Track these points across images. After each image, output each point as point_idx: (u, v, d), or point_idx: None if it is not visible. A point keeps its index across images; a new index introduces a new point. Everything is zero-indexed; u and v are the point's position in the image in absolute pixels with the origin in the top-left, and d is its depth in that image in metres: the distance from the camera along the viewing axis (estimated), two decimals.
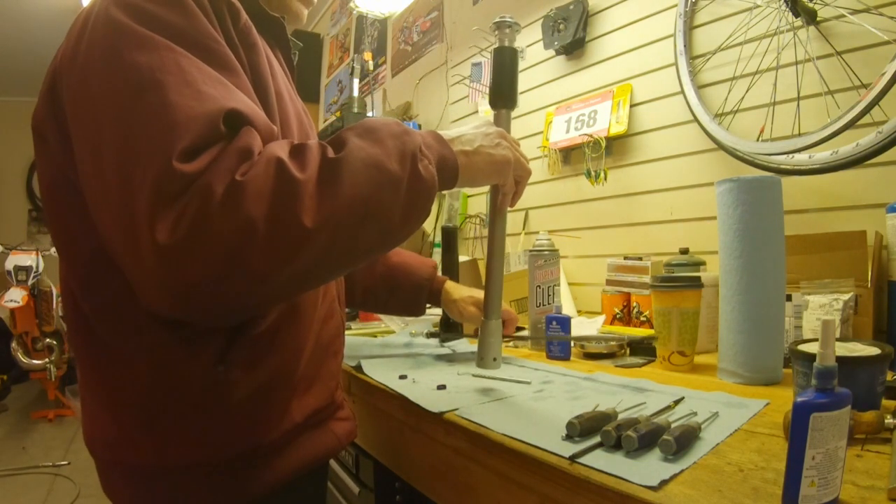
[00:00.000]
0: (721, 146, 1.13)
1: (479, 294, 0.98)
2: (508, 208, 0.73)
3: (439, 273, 1.09)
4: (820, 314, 0.80)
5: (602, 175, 1.40)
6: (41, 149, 0.57)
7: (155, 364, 0.55)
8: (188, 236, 0.41)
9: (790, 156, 0.99)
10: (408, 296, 1.04)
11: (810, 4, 0.99)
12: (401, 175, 0.51)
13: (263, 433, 0.60)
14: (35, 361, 3.76)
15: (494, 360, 0.73)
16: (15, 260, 3.92)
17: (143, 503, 0.59)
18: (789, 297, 0.80)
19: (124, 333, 0.55)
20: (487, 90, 0.78)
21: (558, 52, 1.58)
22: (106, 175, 0.46)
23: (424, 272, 1.04)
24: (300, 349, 0.64)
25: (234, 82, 0.51)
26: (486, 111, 1.81)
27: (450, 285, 1.05)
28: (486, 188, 1.78)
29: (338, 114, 2.33)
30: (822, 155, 0.94)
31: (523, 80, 1.71)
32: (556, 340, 0.96)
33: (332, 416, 0.70)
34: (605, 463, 0.47)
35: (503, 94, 0.75)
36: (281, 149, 0.47)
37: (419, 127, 2.14)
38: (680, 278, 0.87)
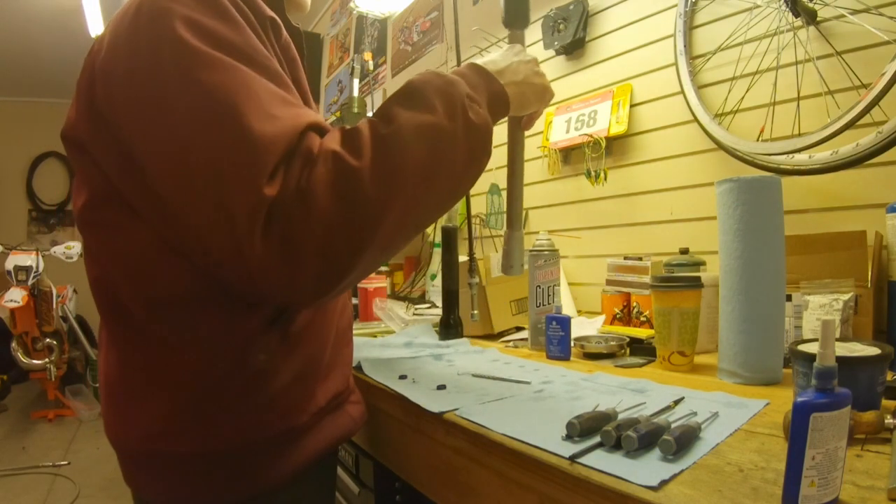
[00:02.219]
0: (721, 146, 1.13)
1: None
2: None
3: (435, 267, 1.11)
4: (820, 314, 0.80)
5: (602, 175, 1.40)
6: (81, 160, 0.59)
7: (203, 355, 0.58)
8: (281, 248, 0.46)
9: (790, 156, 0.99)
10: None
11: (810, 4, 0.99)
12: (454, 129, 0.55)
13: (296, 417, 0.64)
14: (35, 361, 3.75)
15: (521, 266, 0.82)
16: (15, 260, 3.91)
17: (180, 489, 0.60)
18: (789, 297, 0.80)
19: (175, 328, 0.58)
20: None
21: (558, 52, 1.58)
22: (198, 195, 0.48)
23: None
24: (326, 339, 0.69)
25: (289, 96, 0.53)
26: None
27: None
28: (485, 189, 1.78)
29: (338, 114, 2.33)
30: (822, 155, 0.94)
31: None
32: (556, 340, 0.96)
33: (347, 399, 0.74)
34: (605, 463, 0.47)
35: (518, 12, 0.77)
36: (333, 140, 0.50)
37: None
38: (680, 278, 0.87)
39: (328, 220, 0.47)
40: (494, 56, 0.69)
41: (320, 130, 0.52)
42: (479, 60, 0.67)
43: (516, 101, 0.66)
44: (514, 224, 0.81)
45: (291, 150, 0.48)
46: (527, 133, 1.71)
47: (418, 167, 0.52)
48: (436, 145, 0.54)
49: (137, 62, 0.51)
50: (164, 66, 0.49)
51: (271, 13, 0.59)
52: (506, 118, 0.75)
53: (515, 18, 0.77)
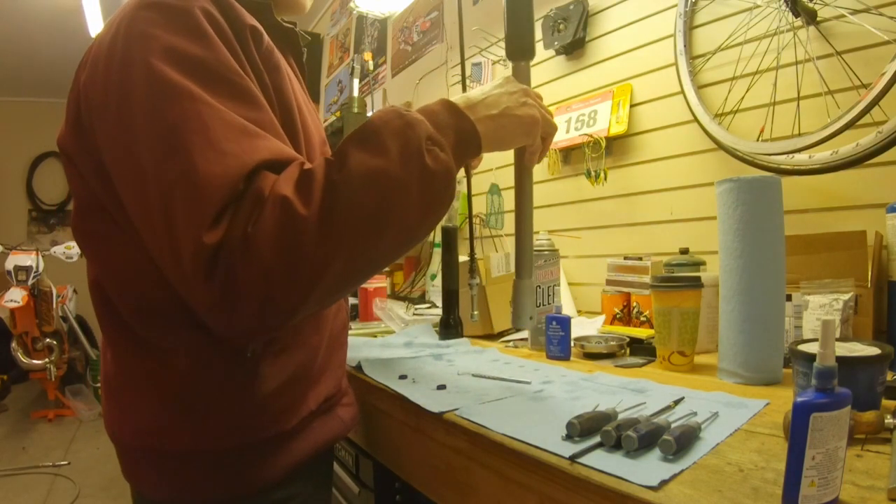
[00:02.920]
0: (721, 146, 1.13)
1: None
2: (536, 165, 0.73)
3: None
4: (820, 314, 0.80)
5: (602, 175, 1.40)
6: (71, 170, 0.60)
7: (193, 358, 0.59)
8: (224, 292, 0.46)
9: (790, 156, 0.99)
10: None
11: (810, 4, 0.99)
12: (407, 178, 0.51)
13: (286, 420, 0.64)
14: (35, 361, 3.75)
15: (531, 318, 0.74)
16: (15, 260, 3.91)
17: (173, 486, 0.61)
18: (789, 297, 0.80)
19: (163, 331, 0.59)
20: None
21: (558, 52, 1.58)
22: (156, 227, 0.49)
23: None
24: (318, 344, 0.69)
25: (256, 118, 0.52)
26: None
27: None
28: (486, 189, 1.78)
29: (338, 114, 2.33)
30: (822, 155, 0.94)
31: None
32: (556, 340, 0.96)
33: (338, 402, 0.74)
34: (605, 463, 0.47)
35: (520, 43, 0.70)
36: (287, 184, 0.48)
37: None
38: (680, 278, 0.87)
39: (268, 270, 0.46)
40: (476, 89, 0.64)
41: (276, 165, 0.49)
42: (458, 96, 0.62)
43: (492, 137, 0.60)
44: (523, 272, 0.74)
45: (239, 193, 0.47)
46: None
47: (366, 217, 0.49)
48: (386, 194, 0.50)
49: (110, 87, 0.52)
50: (132, 94, 0.50)
51: (252, 21, 0.58)
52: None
53: (518, 50, 0.70)
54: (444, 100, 0.60)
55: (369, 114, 2.43)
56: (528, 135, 0.65)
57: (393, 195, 0.50)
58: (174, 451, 0.60)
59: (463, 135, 0.58)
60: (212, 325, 0.49)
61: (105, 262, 0.60)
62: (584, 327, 1.16)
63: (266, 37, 0.60)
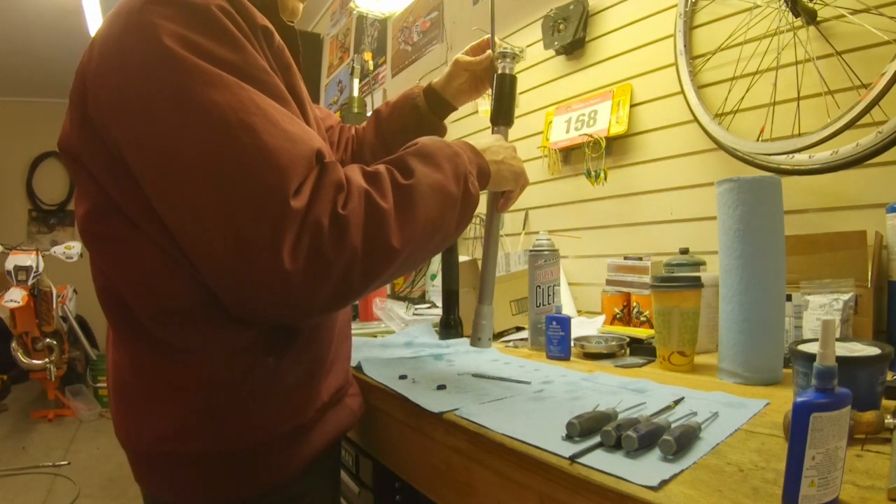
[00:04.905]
0: (721, 146, 1.13)
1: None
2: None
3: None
4: (820, 314, 0.80)
5: (602, 175, 1.40)
6: (78, 172, 0.58)
7: (214, 358, 0.59)
8: (307, 264, 0.48)
9: (790, 156, 0.99)
10: (412, 122, 0.98)
11: (810, 4, 0.99)
12: (457, 195, 0.62)
13: (303, 413, 0.65)
14: (35, 361, 3.75)
15: (489, 339, 0.84)
16: (15, 260, 3.91)
17: (191, 488, 0.61)
18: (789, 297, 0.80)
19: (184, 333, 0.58)
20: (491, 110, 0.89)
21: (558, 52, 1.58)
22: (203, 211, 0.49)
23: (409, 96, 0.99)
24: (330, 337, 0.71)
25: (289, 111, 0.54)
26: (485, 111, 1.81)
27: (435, 81, 0.99)
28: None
29: (338, 114, 2.33)
30: (822, 155, 0.94)
31: (523, 81, 1.71)
32: (556, 340, 0.96)
33: (347, 392, 0.76)
34: (605, 463, 0.47)
35: (504, 114, 0.87)
36: (360, 177, 0.54)
37: None
38: (680, 278, 0.87)
39: (354, 252, 0.50)
40: (481, 138, 0.76)
41: (325, 154, 0.53)
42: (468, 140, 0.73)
43: (495, 178, 0.73)
44: (486, 298, 0.83)
45: (318, 174, 0.51)
46: (527, 133, 1.71)
47: (429, 221, 0.57)
48: (444, 205, 0.60)
49: (124, 75, 0.50)
50: (157, 83, 0.49)
51: (263, 21, 0.58)
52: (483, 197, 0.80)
53: (502, 119, 0.87)
54: (466, 142, 0.71)
55: (369, 114, 2.43)
56: (516, 182, 0.77)
57: (447, 207, 0.60)
58: (194, 453, 0.59)
59: (481, 170, 0.69)
60: (280, 300, 0.50)
61: (121, 266, 0.58)
62: (584, 327, 1.16)
63: (277, 36, 0.60)
